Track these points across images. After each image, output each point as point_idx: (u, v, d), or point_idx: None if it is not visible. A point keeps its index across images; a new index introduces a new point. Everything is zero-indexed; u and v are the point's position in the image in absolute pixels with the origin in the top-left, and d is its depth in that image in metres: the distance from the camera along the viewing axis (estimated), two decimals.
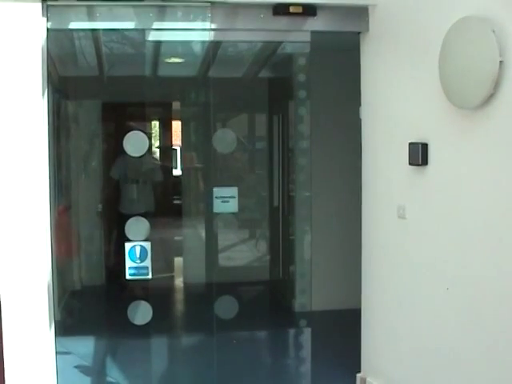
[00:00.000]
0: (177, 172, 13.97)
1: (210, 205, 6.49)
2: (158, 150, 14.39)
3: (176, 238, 10.92)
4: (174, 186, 12.20)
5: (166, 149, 13.81)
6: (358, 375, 6.10)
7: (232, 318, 6.27)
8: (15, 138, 5.30)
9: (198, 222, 10.60)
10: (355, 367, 6.12)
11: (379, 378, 5.84)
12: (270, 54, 8.53)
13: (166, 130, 13.80)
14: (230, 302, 6.41)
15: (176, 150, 15.18)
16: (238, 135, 10.72)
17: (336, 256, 7.98)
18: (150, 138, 11.77)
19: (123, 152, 5.95)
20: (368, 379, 5.99)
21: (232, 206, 6.28)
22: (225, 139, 6.71)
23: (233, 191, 6.32)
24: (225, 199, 6.20)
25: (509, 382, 4.33)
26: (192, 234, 10.61)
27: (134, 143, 5.98)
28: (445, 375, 4.92)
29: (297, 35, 6.09)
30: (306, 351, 6.85)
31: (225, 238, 10.24)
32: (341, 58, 7.20)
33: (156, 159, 12.98)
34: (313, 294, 8.02)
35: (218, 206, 6.25)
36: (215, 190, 6.26)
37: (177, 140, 14.03)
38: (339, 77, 8.07)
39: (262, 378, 6.31)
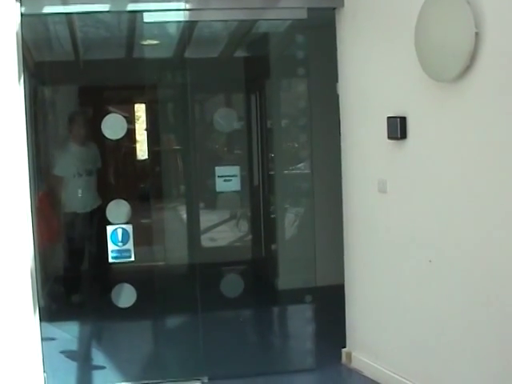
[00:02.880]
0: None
1: (209, 185, 6.67)
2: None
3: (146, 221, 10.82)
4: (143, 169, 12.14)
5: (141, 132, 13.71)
6: (344, 350, 6.13)
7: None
8: None
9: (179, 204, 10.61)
10: (340, 342, 6.16)
11: (364, 352, 5.87)
12: (246, 32, 8.50)
13: (142, 113, 13.71)
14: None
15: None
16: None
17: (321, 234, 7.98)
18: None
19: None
20: (353, 354, 6.03)
21: (235, 184, 6.36)
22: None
23: (235, 170, 6.44)
24: (227, 178, 6.26)
25: (492, 351, 4.39)
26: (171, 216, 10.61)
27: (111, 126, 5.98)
28: (430, 347, 4.97)
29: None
30: (291, 328, 6.92)
31: (207, 218, 10.27)
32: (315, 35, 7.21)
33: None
34: (298, 272, 8.09)
35: (221, 185, 6.32)
36: (217, 168, 6.39)
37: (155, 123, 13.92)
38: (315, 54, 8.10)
39: (247, 354, 6.33)
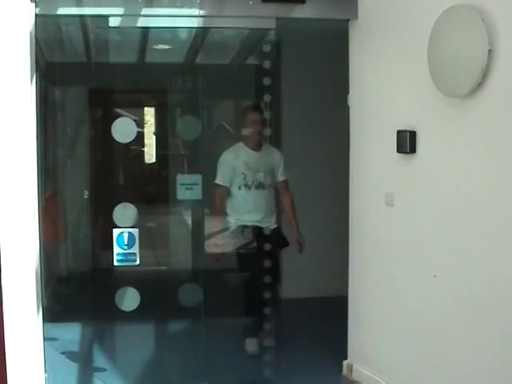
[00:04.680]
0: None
1: None
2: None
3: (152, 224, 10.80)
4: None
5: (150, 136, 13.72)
6: (345, 362, 6.12)
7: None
8: (3, 124, 5.27)
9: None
10: (342, 354, 6.15)
11: (366, 364, 5.86)
12: (258, 41, 8.51)
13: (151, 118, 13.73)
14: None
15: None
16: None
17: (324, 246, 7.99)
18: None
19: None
20: (355, 366, 6.02)
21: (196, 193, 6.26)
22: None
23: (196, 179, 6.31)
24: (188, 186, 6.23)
25: (495, 368, 4.37)
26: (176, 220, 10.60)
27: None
28: (431, 362, 4.96)
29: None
30: (293, 338, 6.89)
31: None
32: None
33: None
34: (299, 281, 8.09)
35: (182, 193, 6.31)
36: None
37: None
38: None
39: (245, 363, 6.33)
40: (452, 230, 4.74)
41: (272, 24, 5.89)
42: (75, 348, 6.68)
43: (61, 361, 6.21)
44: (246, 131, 6.80)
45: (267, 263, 6.22)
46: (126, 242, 5.85)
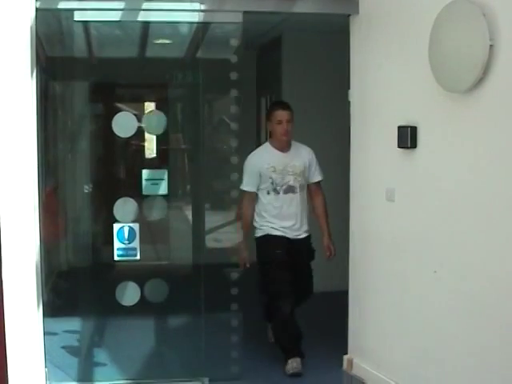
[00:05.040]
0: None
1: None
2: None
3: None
4: None
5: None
6: (345, 357, 6.13)
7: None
8: (3, 118, 5.27)
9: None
10: (342, 349, 6.16)
11: (366, 359, 5.87)
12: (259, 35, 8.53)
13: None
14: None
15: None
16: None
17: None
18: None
19: None
20: (355, 360, 6.02)
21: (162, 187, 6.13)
22: None
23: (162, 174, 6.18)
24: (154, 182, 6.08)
25: (495, 361, 4.38)
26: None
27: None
28: (431, 357, 4.96)
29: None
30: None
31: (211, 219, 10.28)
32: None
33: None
34: None
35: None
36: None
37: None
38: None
39: (247, 357, 6.33)
40: (452, 226, 4.74)
41: (239, 18, 5.81)
42: (75, 343, 6.67)
43: (61, 355, 6.20)
44: (271, 130, 6.31)
45: (298, 276, 6.14)
46: (126, 237, 5.86)
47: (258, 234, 6.29)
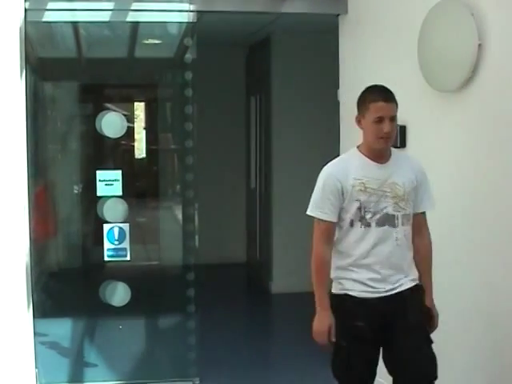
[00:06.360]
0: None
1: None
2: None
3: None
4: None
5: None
6: None
7: None
8: None
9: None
10: None
11: None
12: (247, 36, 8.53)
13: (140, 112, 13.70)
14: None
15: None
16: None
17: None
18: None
19: None
20: None
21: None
22: None
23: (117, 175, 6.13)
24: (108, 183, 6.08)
25: (489, 361, 4.39)
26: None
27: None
28: None
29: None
30: (285, 332, 6.89)
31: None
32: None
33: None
34: (290, 276, 8.09)
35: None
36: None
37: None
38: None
39: (239, 355, 6.34)
40: (443, 226, 4.74)
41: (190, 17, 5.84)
42: (66, 343, 6.67)
43: (51, 356, 6.19)
44: (364, 129, 4.02)
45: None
46: (116, 237, 5.85)
47: (334, 289, 4.12)
